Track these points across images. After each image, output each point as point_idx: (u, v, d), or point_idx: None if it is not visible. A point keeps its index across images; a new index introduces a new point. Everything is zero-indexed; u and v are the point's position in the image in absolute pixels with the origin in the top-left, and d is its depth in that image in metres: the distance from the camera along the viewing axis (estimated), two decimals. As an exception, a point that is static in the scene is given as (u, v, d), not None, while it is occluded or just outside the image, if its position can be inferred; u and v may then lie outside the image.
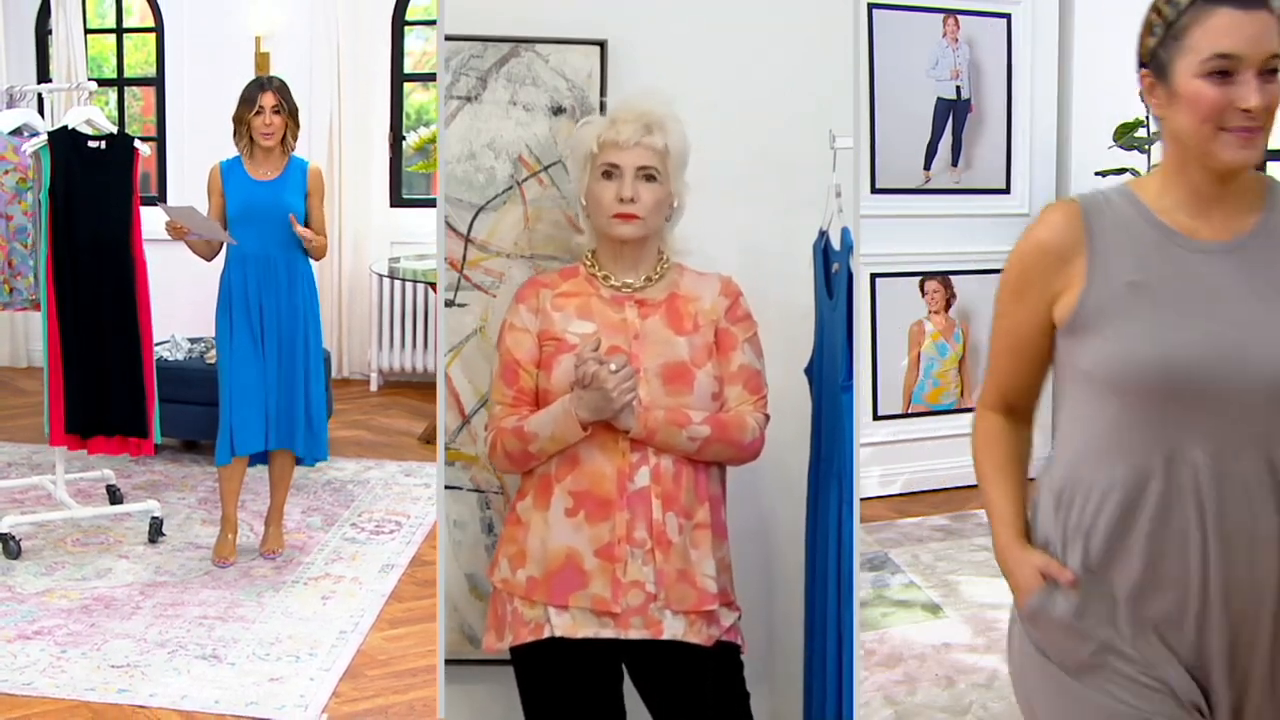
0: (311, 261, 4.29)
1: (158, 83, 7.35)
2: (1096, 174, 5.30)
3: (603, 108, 2.51)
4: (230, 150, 4.25)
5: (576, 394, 2.18)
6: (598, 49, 2.55)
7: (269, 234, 4.15)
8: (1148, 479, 1.64)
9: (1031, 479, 1.90)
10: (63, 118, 4.85)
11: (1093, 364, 1.69)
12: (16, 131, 4.76)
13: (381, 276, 6.77)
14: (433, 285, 6.07)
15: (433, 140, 6.13)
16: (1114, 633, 1.67)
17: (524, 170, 2.57)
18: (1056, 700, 1.73)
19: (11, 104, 5.04)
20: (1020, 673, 1.81)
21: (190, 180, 6.89)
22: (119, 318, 4.38)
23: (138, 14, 7.52)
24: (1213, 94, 1.58)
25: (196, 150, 6.90)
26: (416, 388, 7.09)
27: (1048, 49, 5.44)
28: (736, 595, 2.37)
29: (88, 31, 7.08)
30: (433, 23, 7.10)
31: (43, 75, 7.33)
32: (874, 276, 5.21)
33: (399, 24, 7.26)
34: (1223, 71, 1.58)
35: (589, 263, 2.35)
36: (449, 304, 2.58)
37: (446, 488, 2.59)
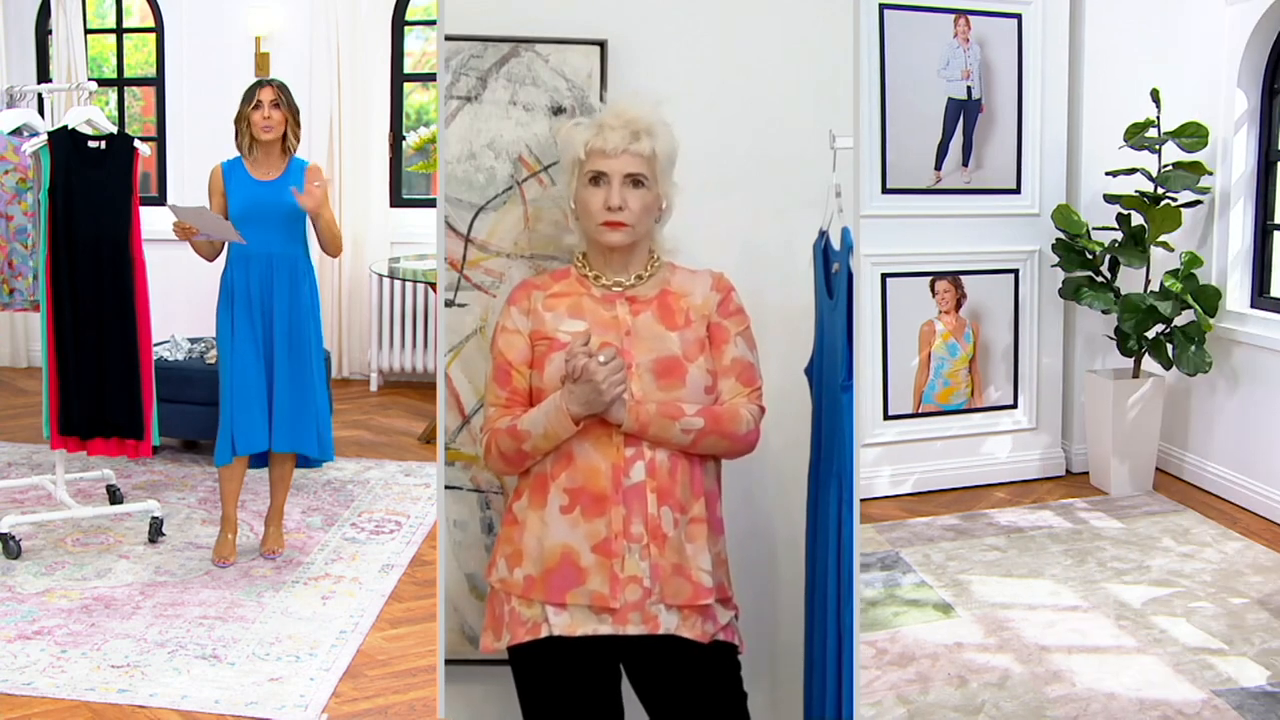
0: (313, 261, 4.30)
1: (158, 83, 7.36)
2: (1107, 174, 5.31)
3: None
4: (231, 150, 4.26)
5: (567, 388, 2.19)
6: (598, 49, 2.56)
7: (271, 234, 4.16)
8: None
9: None
10: (63, 118, 4.86)
11: None
12: (16, 131, 4.76)
13: (381, 276, 6.78)
14: (433, 285, 6.07)
15: (433, 140, 6.13)
16: None
17: (524, 170, 2.57)
18: None
19: (11, 104, 5.05)
20: None
21: (190, 180, 6.90)
22: (118, 318, 4.38)
23: (138, 14, 7.52)
24: None
25: (196, 150, 6.92)
26: (416, 388, 7.10)
27: (1059, 49, 5.46)
28: (736, 595, 2.37)
29: (88, 31, 7.08)
30: (433, 23, 7.11)
31: (43, 75, 7.34)
32: (884, 276, 5.23)
33: (399, 24, 7.27)
34: None
35: (580, 264, 2.37)
36: (449, 304, 2.58)
37: (446, 488, 2.60)
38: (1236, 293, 5.19)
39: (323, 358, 4.43)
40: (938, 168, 5.34)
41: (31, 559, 4.35)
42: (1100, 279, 5.31)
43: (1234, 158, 5.13)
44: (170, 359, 5.63)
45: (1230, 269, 5.18)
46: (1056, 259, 5.35)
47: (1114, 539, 4.67)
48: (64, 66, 6.81)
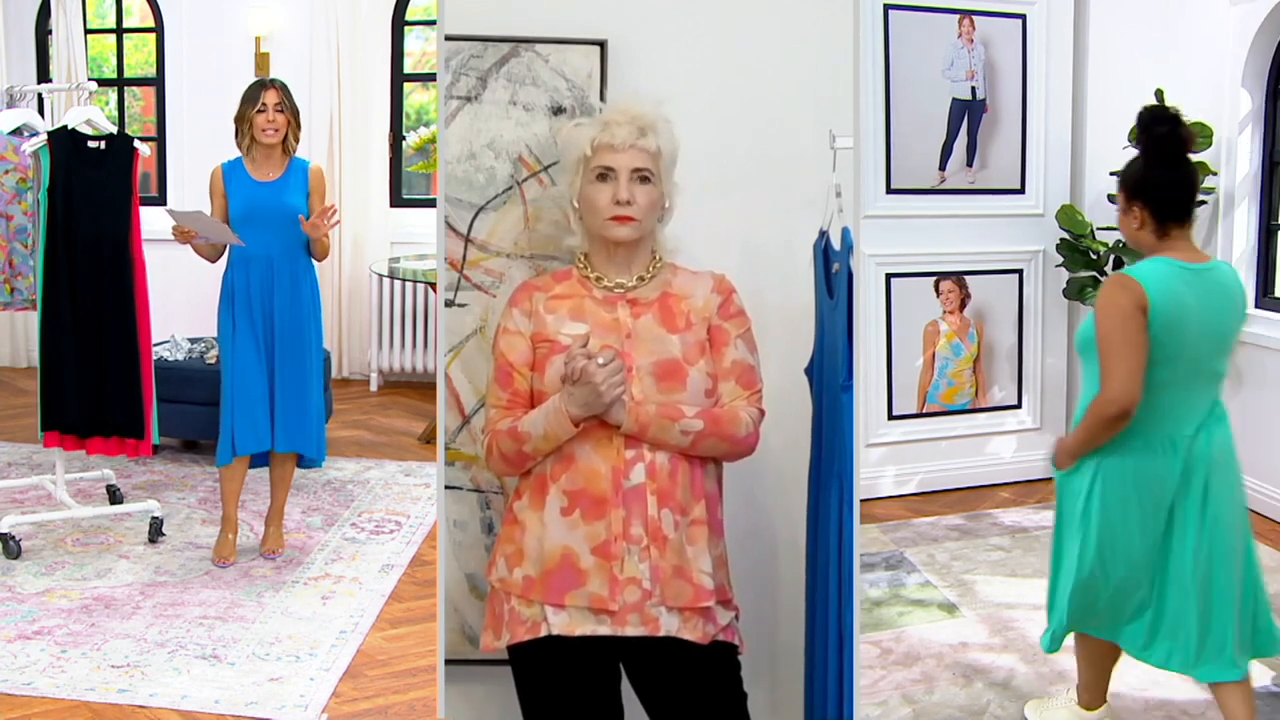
0: (314, 261, 4.29)
1: (158, 83, 7.35)
2: (1111, 174, 5.29)
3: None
4: (231, 151, 4.25)
5: (566, 390, 2.19)
6: (598, 49, 2.55)
7: (272, 235, 4.16)
8: None
9: None
10: (63, 118, 4.85)
11: None
12: (16, 131, 4.76)
13: (381, 276, 6.78)
14: (433, 285, 6.07)
15: (433, 140, 6.12)
16: None
17: (524, 170, 2.57)
18: None
19: (11, 104, 5.05)
20: None
21: (190, 180, 6.90)
22: (118, 318, 4.37)
23: (138, 14, 7.52)
24: None
25: (196, 150, 6.92)
26: (416, 388, 7.09)
27: (1063, 49, 5.45)
28: (736, 595, 2.37)
29: (88, 31, 7.08)
30: (433, 23, 7.11)
31: (43, 75, 7.33)
32: (889, 276, 5.22)
33: (399, 24, 7.26)
34: None
35: (581, 265, 2.36)
36: (449, 304, 2.58)
37: (446, 488, 2.59)
38: (1240, 293, 5.17)
39: (322, 358, 4.42)
40: (942, 168, 5.33)
41: (31, 559, 4.34)
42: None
43: (1238, 158, 5.12)
44: (170, 359, 5.63)
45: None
46: (1061, 259, 5.34)
47: (1116, 540, 4.66)
48: (64, 66, 6.80)
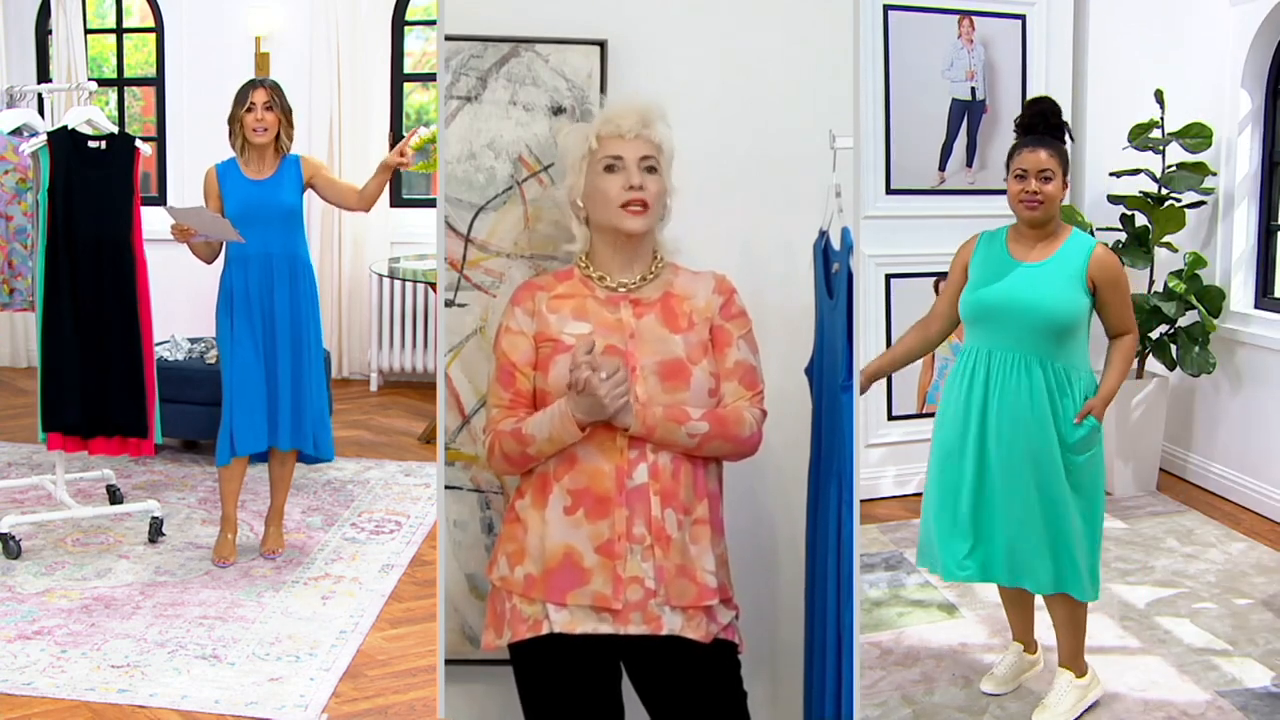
0: (312, 259, 4.30)
1: (158, 83, 7.35)
2: (1111, 174, 5.30)
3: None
4: (230, 151, 4.25)
5: (571, 397, 2.19)
6: (598, 49, 2.55)
7: (269, 233, 4.16)
8: None
9: None
10: (63, 118, 4.85)
11: None
12: (16, 131, 4.76)
13: (381, 276, 6.78)
14: (433, 285, 6.07)
15: (433, 140, 6.12)
16: None
17: (524, 170, 2.57)
18: None
19: (11, 104, 5.04)
20: None
21: (190, 180, 6.90)
22: (119, 318, 4.37)
23: (138, 14, 7.52)
24: None
25: (196, 150, 6.91)
26: (416, 388, 7.09)
27: (1062, 50, 5.44)
28: (736, 594, 2.37)
29: (88, 31, 7.08)
30: (433, 23, 7.11)
31: (43, 75, 7.33)
32: (889, 277, 5.22)
33: (399, 24, 7.26)
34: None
35: (583, 264, 2.36)
36: (449, 304, 2.57)
37: (446, 488, 2.59)
38: (1240, 293, 5.17)
39: (322, 356, 4.43)
40: (942, 168, 5.33)
41: (31, 559, 4.34)
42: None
43: (1238, 158, 5.12)
44: (170, 359, 5.63)
45: (1234, 270, 5.16)
46: (1059, 259, 5.33)
47: (1118, 539, 4.66)
48: (64, 66, 6.80)
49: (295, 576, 4.23)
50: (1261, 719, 3.27)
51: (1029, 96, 5.39)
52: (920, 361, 5.31)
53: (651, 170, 2.28)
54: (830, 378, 2.43)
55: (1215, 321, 5.03)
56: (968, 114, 5.34)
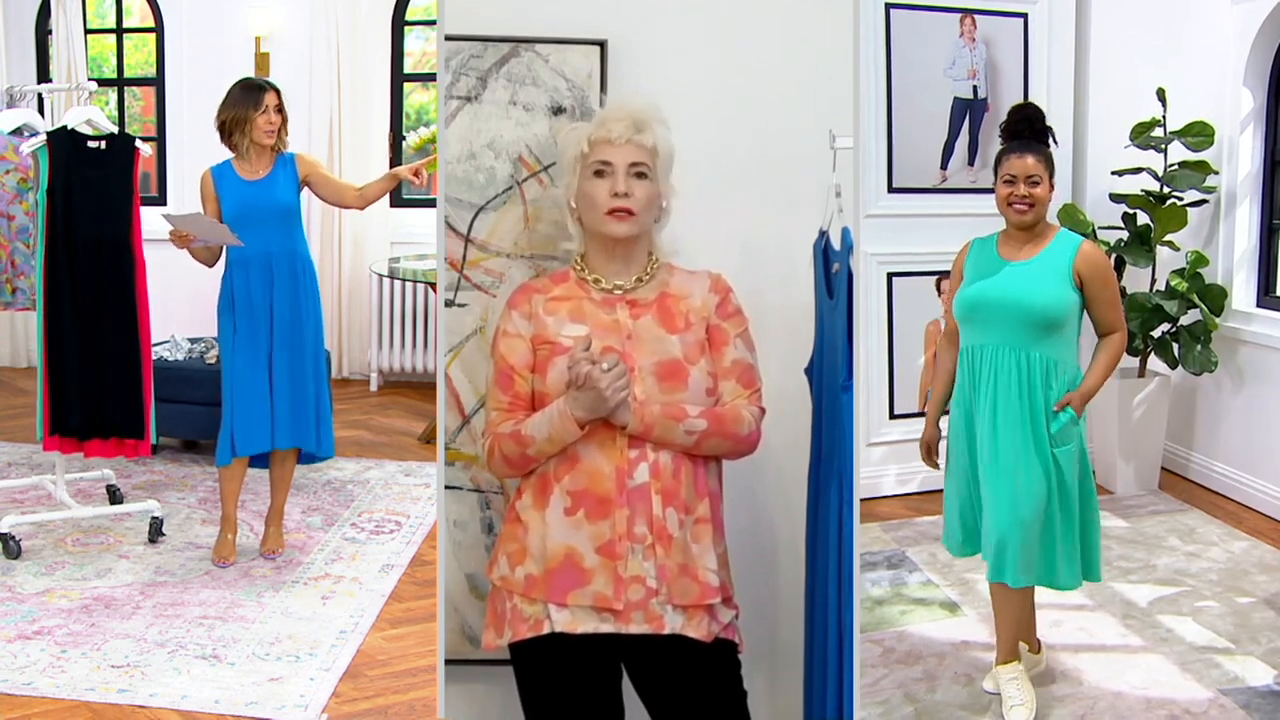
0: (313, 257, 4.30)
1: (158, 83, 7.35)
2: (1113, 173, 5.29)
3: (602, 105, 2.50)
4: (225, 153, 4.25)
5: (571, 394, 2.19)
6: (598, 49, 2.55)
7: (267, 232, 4.16)
8: None
9: None
10: (63, 118, 4.85)
11: None
12: (17, 131, 4.75)
13: (381, 276, 6.77)
14: (433, 285, 6.06)
15: (433, 140, 6.12)
16: None
17: (524, 170, 2.56)
18: None
19: (11, 104, 5.04)
20: None
21: (190, 180, 6.90)
22: (119, 318, 4.37)
23: (138, 14, 7.52)
24: None
25: (196, 150, 6.90)
26: (416, 388, 7.09)
27: (1064, 48, 5.44)
28: (736, 593, 2.37)
29: (88, 31, 7.07)
30: (433, 23, 7.10)
31: (43, 75, 7.33)
32: (890, 276, 5.21)
33: (399, 24, 7.26)
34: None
35: (579, 266, 2.36)
36: (449, 304, 2.57)
37: (446, 488, 2.59)
38: (1242, 292, 5.16)
39: (323, 354, 4.43)
40: (943, 167, 5.32)
41: (31, 559, 4.34)
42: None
43: (1240, 157, 5.11)
44: (170, 359, 5.63)
45: (1236, 268, 5.16)
46: (1060, 258, 5.33)
47: (1120, 538, 4.65)
48: (64, 66, 6.80)
49: (295, 576, 4.23)
50: (1264, 717, 3.26)
51: (1030, 95, 5.40)
52: (921, 360, 5.31)
53: (641, 176, 2.28)
54: (830, 377, 2.42)
55: (1217, 320, 5.03)
56: (969, 112, 5.34)
